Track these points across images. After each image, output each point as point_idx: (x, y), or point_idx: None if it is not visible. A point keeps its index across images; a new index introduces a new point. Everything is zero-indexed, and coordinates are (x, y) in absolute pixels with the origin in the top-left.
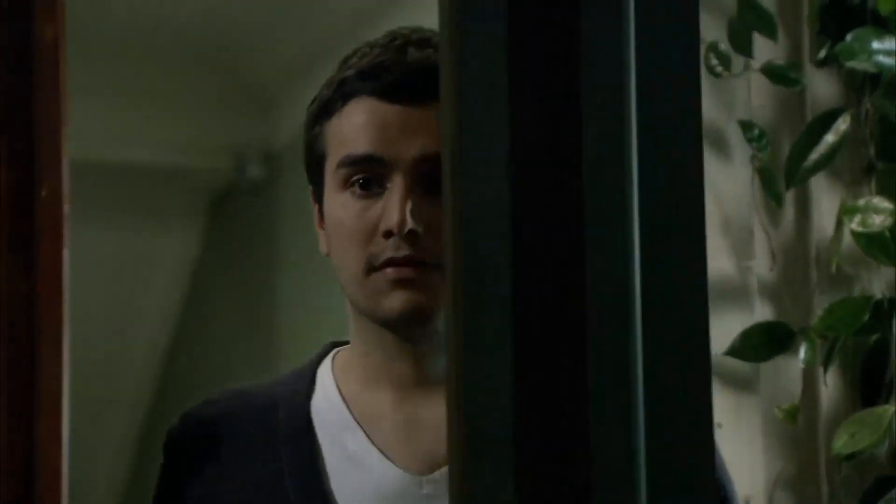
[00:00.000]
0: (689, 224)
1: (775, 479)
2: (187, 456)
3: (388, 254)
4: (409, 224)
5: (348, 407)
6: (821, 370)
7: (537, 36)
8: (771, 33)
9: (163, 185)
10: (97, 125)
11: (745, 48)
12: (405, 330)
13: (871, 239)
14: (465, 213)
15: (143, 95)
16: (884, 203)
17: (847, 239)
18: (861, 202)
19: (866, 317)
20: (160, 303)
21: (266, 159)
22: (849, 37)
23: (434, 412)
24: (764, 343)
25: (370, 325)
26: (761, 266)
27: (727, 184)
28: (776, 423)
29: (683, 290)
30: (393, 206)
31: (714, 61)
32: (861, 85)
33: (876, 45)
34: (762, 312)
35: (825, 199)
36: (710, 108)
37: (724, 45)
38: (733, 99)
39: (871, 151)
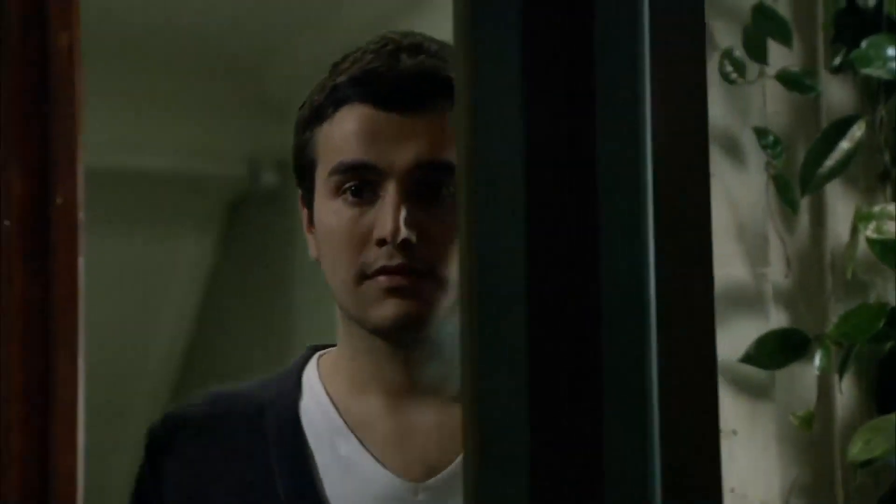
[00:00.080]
0: (698, 228)
1: (790, 485)
2: (169, 455)
3: (382, 262)
4: (403, 233)
5: (338, 411)
6: (836, 377)
7: (552, 38)
8: (786, 40)
9: (178, 193)
10: (112, 133)
11: (760, 55)
12: (397, 337)
13: (887, 246)
14: (480, 217)
15: (158, 103)
16: None
17: (862, 246)
18: (876, 209)
19: (881, 324)
20: (175, 309)
21: (280, 167)
22: (864, 44)
23: (426, 419)
24: (779, 350)
25: (360, 331)
26: (776, 273)
27: (742, 191)
28: (791, 430)
29: (694, 290)
30: (386, 215)
31: (729, 68)
32: (876, 92)
33: (891, 51)
34: (777, 319)
35: (840, 205)
36: (725, 115)
37: (739, 52)
38: (748, 106)
39: (887, 158)
